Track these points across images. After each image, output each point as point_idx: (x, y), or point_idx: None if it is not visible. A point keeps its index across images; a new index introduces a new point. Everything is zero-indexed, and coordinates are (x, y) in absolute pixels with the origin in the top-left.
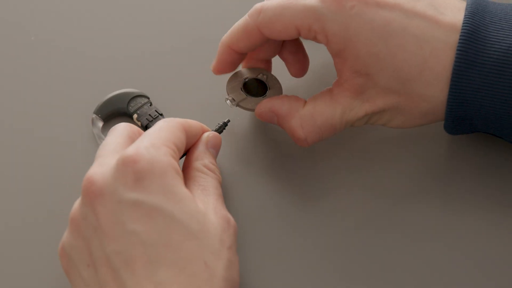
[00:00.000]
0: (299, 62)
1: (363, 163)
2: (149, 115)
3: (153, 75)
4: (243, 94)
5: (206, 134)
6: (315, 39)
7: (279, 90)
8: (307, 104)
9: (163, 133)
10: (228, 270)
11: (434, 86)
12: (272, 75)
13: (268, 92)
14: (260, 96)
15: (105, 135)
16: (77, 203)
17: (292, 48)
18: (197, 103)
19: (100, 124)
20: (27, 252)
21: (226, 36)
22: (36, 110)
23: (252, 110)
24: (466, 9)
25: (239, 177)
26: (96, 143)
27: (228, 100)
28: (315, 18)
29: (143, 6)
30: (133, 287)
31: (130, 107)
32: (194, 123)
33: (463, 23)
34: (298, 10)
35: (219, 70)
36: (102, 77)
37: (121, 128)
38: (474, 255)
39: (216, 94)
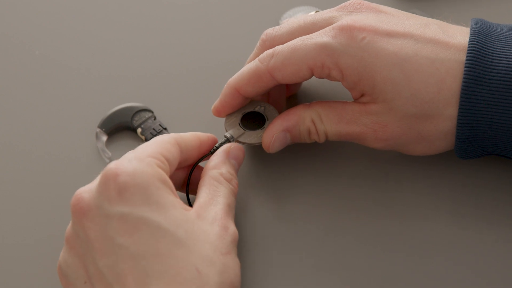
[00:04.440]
0: (276, 101)
1: (371, 176)
2: (153, 129)
3: (157, 89)
4: (241, 130)
5: (228, 145)
6: (329, 76)
7: None
8: (314, 106)
9: (151, 146)
10: (224, 275)
11: (453, 104)
12: (270, 106)
13: (266, 123)
14: (259, 128)
15: (109, 149)
16: (71, 222)
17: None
18: (201, 117)
19: (104, 138)
20: (30, 270)
21: (234, 79)
22: (40, 123)
23: (251, 144)
24: (471, 28)
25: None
26: (100, 157)
27: (226, 137)
28: (327, 54)
29: (148, 22)
30: None
31: (134, 121)
32: (188, 136)
33: (469, 41)
34: (309, 49)
35: (221, 113)
36: (106, 91)
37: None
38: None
39: None
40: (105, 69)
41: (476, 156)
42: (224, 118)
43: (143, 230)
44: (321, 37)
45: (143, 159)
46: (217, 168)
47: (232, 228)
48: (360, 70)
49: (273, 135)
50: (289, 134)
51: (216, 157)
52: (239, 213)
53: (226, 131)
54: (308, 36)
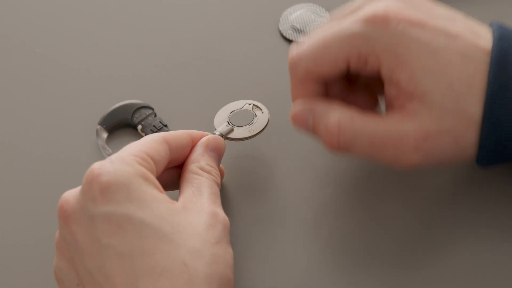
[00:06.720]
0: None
1: (370, 177)
2: (154, 126)
3: (158, 87)
4: (229, 126)
5: (205, 138)
6: (365, 65)
7: (266, 115)
8: (351, 109)
9: (135, 146)
10: (214, 266)
11: (482, 104)
12: (258, 103)
13: (254, 119)
14: (247, 124)
15: (110, 146)
16: (58, 227)
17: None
18: (201, 114)
19: (105, 135)
20: (30, 270)
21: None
22: (40, 122)
23: (240, 139)
24: (493, 34)
25: (239, 184)
26: (100, 154)
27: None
28: (362, 42)
29: (148, 20)
30: None
31: (135, 118)
32: (178, 134)
33: (493, 47)
34: (343, 40)
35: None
36: (106, 88)
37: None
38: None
39: (220, 105)
40: (106, 67)
41: (496, 163)
42: (225, 104)
43: (128, 228)
44: (353, 26)
45: (124, 158)
46: (195, 162)
47: (221, 214)
48: (398, 54)
49: (298, 111)
50: (312, 116)
51: (195, 152)
52: (230, 210)
53: (215, 129)
54: (338, 28)
